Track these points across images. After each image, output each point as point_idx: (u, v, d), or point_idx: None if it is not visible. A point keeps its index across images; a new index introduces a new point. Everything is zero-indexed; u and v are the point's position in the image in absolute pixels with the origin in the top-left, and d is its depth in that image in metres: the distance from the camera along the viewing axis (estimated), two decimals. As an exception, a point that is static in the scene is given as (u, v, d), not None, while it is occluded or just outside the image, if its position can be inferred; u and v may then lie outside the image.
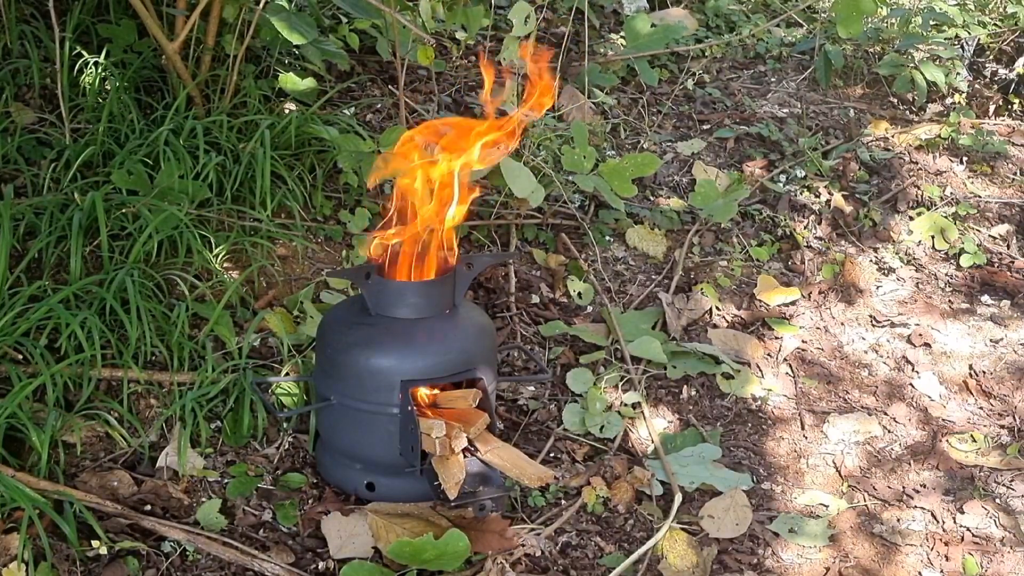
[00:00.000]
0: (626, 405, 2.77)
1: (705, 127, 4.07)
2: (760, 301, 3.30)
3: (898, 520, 2.51)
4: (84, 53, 3.11)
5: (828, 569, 2.36)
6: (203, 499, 2.30)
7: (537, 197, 3.03)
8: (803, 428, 2.83)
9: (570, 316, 3.10)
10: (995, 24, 4.85)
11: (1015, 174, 4.01)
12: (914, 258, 3.56)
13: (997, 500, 2.60)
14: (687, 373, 2.92)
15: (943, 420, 2.90)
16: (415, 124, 3.49)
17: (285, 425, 2.50)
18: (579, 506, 2.44)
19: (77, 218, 2.61)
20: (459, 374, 2.29)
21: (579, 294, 3.17)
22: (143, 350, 2.47)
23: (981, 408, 2.96)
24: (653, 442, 2.67)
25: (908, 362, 3.11)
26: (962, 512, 2.54)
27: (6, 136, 2.91)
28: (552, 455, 2.61)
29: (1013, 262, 3.59)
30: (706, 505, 2.47)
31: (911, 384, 3.03)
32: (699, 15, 4.69)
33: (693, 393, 2.89)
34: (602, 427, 2.69)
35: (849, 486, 2.63)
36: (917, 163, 3.93)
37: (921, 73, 4.25)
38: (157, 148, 2.86)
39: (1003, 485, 2.65)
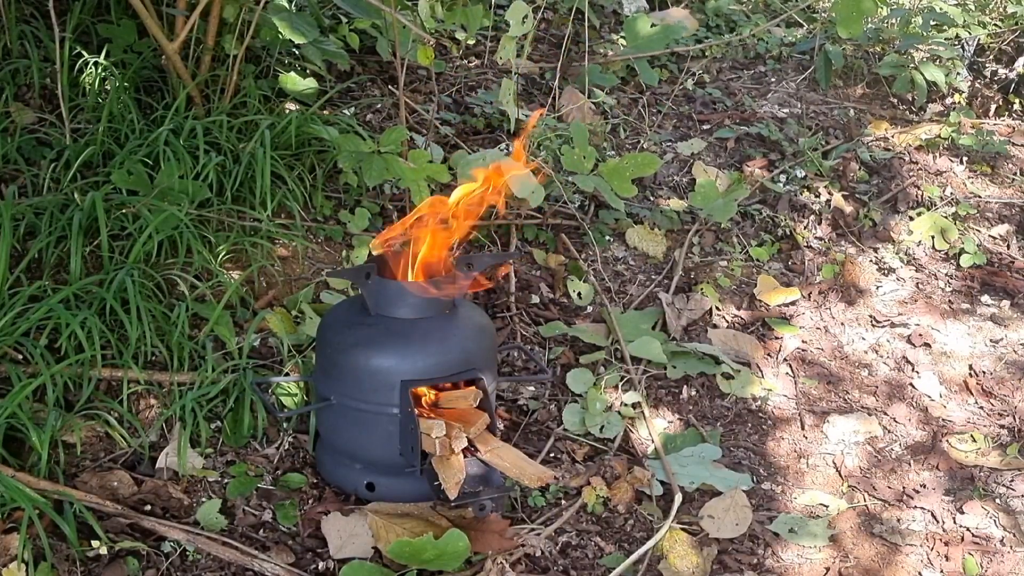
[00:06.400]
0: (626, 405, 2.77)
1: (705, 127, 4.07)
2: (760, 301, 3.30)
3: (898, 520, 2.51)
4: (84, 53, 3.11)
5: (828, 569, 2.36)
6: (203, 499, 2.30)
7: (537, 197, 3.03)
8: (803, 428, 2.83)
9: (570, 316, 3.10)
10: (995, 24, 4.85)
11: (1015, 174, 4.01)
12: (914, 258, 3.56)
13: (997, 500, 2.60)
14: (687, 373, 2.92)
15: (943, 420, 2.90)
16: (415, 124, 3.50)
17: (285, 425, 2.50)
18: (579, 506, 2.44)
19: (77, 218, 2.61)
20: (459, 374, 2.29)
21: (579, 294, 3.17)
22: (143, 350, 2.47)
23: (981, 408, 2.96)
24: (653, 442, 2.67)
25: (908, 362, 3.11)
26: (962, 512, 2.54)
27: (6, 136, 2.91)
28: (552, 455, 2.61)
29: (1013, 262, 3.59)
30: (706, 505, 2.47)
31: (911, 384, 3.03)
32: (699, 15, 4.70)
33: (693, 393, 2.89)
34: (602, 427, 2.69)
35: (849, 486, 2.63)
36: (917, 163, 3.93)
37: (921, 73, 4.25)
38: (157, 148, 2.86)
39: (1003, 485, 2.65)
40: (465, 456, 2.26)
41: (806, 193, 3.73)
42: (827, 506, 2.55)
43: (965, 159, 4.00)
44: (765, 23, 4.64)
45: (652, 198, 3.65)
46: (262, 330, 2.68)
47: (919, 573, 2.37)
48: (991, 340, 3.23)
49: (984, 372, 3.09)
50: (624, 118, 3.97)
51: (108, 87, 3.08)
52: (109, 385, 2.46)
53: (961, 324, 3.29)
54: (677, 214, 3.57)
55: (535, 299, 3.12)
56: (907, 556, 2.41)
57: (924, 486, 2.64)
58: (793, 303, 3.31)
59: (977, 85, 4.56)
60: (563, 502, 2.46)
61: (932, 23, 4.47)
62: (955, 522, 2.52)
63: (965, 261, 3.54)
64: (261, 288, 2.81)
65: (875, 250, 3.58)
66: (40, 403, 2.31)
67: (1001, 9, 4.98)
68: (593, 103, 3.87)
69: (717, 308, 3.22)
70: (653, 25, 3.77)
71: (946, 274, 3.52)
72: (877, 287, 3.43)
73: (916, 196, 3.76)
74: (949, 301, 3.40)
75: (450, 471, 2.19)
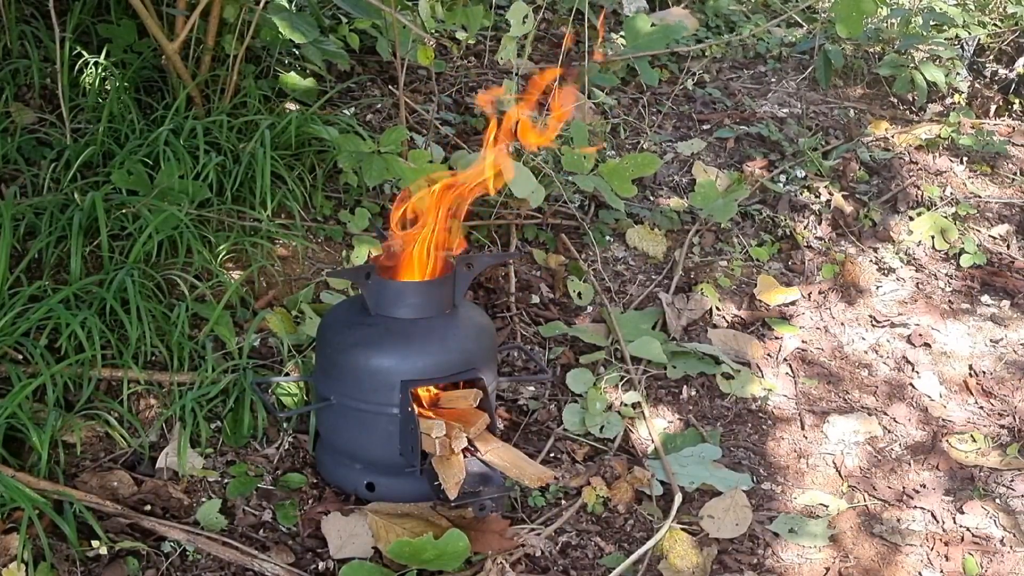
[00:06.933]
0: (626, 405, 2.77)
1: (705, 127, 4.07)
2: (760, 301, 3.30)
3: (898, 520, 2.51)
4: (84, 53, 3.11)
5: (828, 569, 2.36)
6: (203, 499, 2.30)
7: (537, 197, 3.03)
8: (803, 428, 2.83)
9: (570, 316, 3.10)
10: (995, 24, 4.86)
11: (1015, 174, 4.01)
12: (914, 258, 3.56)
13: (997, 500, 2.60)
14: (687, 373, 2.92)
15: (943, 420, 2.90)
16: (415, 124, 3.50)
17: (285, 425, 2.50)
18: (579, 506, 2.44)
19: (77, 218, 2.61)
20: (459, 374, 2.29)
21: (579, 294, 3.17)
22: (143, 350, 2.47)
23: (981, 408, 2.96)
24: (653, 442, 2.67)
25: (908, 362, 3.11)
26: (962, 512, 2.54)
27: (6, 136, 2.91)
28: (552, 455, 2.61)
29: (1013, 262, 3.59)
30: (706, 505, 2.47)
31: (911, 384, 3.03)
32: (699, 15, 4.69)
33: (693, 393, 2.89)
34: (602, 427, 2.69)
35: (849, 486, 2.63)
36: (917, 163, 3.93)
37: (921, 73, 4.25)
38: (157, 148, 2.86)
39: (1003, 485, 2.65)
40: (465, 456, 2.26)
41: (806, 193, 3.73)
42: (827, 506, 2.55)
43: (965, 159, 4.00)
44: (765, 23, 4.64)
45: (652, 198, 3.65)
46: (262, 330, 2.68)
47: (919, 573, 2.37)
48: (991, 340, 3.23)
49: (984, 372, 3.09)
50: (624, 118, 3.97)
51: (108, 87, 3.08)
52: (109, 385, 2.46)
53: (961, 324, 3.29)
54: (677, 214, 3.57)
55: (535, 299, 3.12)
56: (907, 556, 2.41)
57: (924, 486, 2.64)
58: (793, 303, 3.31)
59: (977, 85, 4.56)
60: (563, 502, 2.46)
61: (932, 23, 4.47)
62: (955, 522, 2.52)
63: (965, 261, 3.54)
64: (261, 288, 2.81)
65: (875, 250, 3.58)
66: (40, 403, 2.31)
67: (1001, 9, 4.98)
68: (593, 103, 3.86)
69: (717, 308, 3.22)
70: (653, 25, 3.77)
71: (946, 274, 3.52)
72: (877, 287, 3.43)
73: (916, 196, 3.76)
74: (949, 301, 3.40)
75: (450, 471, 2.19)
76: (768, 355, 3.08)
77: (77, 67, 3.11)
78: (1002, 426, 2.88)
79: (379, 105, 3.59)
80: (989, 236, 3.69)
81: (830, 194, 3.73)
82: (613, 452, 2.63)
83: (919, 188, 3.79)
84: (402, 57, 3.28)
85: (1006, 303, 3.40)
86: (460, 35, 3.93)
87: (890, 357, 3.13)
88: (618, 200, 3.21)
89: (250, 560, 2.15)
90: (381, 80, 3.71)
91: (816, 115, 4.22)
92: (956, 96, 4.40)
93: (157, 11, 3.05)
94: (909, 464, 2.73)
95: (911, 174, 3.86)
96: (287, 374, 2.55)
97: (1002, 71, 4.63)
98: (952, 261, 3.57)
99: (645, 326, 3.06)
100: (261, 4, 3.03)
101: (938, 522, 2.52)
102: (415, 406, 2.26)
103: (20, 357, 2.40)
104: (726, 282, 3.34)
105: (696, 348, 2.99)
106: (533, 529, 2.33)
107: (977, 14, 4.88)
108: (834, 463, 2.71)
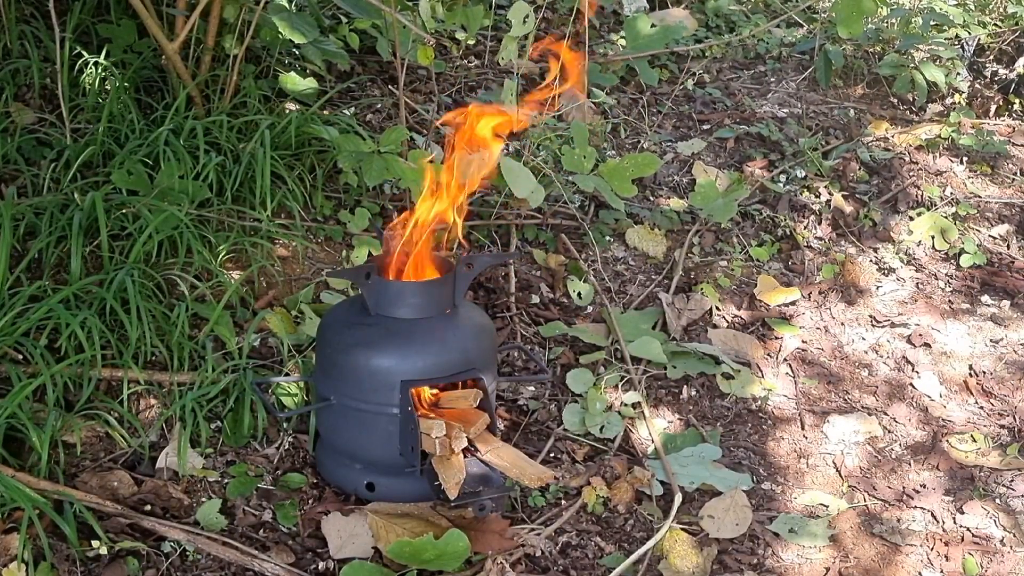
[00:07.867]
0: (626, 405, 2.77)
1: (705, 127, 4.07)
2: (760, 301, 3.30)
3: (898, 520, 2.52)
4: (84, 53, 3.11)
5: (828, 569, 2.36)
6: (203, 499, 2.30)
7: (537, 197, 3.03)
8: (803, 428, 2.83)
9: (570, 316, 3.10)
10: (995, 24, 4.85)
11: (1015, 174, 4.01)
12: (914, 258, 3.56)
13: (997, 500, 2.60)
14: (687, 373, 2.92)
15: (943, 420, 2.90)
16: (415, 124, 3.51)
17: (285, 425, 2.50)
18: (579, 506, 2.44)
19: (77, 218, 2.61)
20: (459, 374, 2.29)
21: (579, 294, 3.17)
22: (143, 350, 2.47)
23: (981, 408, 2.96)
24: (653, 442, 2.67)
25: (908, 362, 3.11)
26: (962, 512, 2.54)
27: (6, 136, 2.91)
28: (552, 455, 2.61)
29: (1013, 262, 3.59)
30: (706, 505, 2.47)
31: (911, 384, 3.03)
32: (699, 15, 4.69)
33: (693, 393, 2.89)
34: (602, 427, 2.69)
35: (849, 486, 2.63)
36: (917, 163, 3.93)
37: (921, 73, 4.25)
38: (157, 148, 2.86)
39: (1003, 485, 2.65)
40: (465, 456, 2.25)
41: (806, 193, 3.73)
42: (827, 506, 2.55)
43: (965, 159, 4.00)
44: (765, 23, 4.64)
45: (652, 198, 3.65)
46: (262, 330, 2.68)
47: (919, 573, 2.37)
48: (991, 340, 3.23)
49: (984, 372, 3.09)
50: (624, 118, 3.97)
51: (108, 87, 3.08)
52: (109, 385, 2.46)
53: (961, 324, 3.29)
54: (677, 214, 3.57)
55: (535, 299, 3.12)
56: (907, 556, 2.41)
57: (924, 486, 2.64)
58: (793, 303, 3.31)
59: (977, 85, 4.56)
60: (563, 502, 2.46)
61: (932, 23, 4.47)
62: (955, 522, 2.52)
63: (965, 261, 3.54)
64: (261, 288, 2.81)
65: (875, 250, 3.58)
66: (40, 403, 2.31)
67: (1001, 9, 4.98)
68: (593, 103, 3.87)
69: (717, 308, 3.22)
70: (653, 25, 3.77)
71: (946, 274, 3.52)
72: (877, 287, 3.43)
73: (916, 196, 3.77)
74: (949, 301, 3.40)
75: (450, 471, 2.19)
76: (768, 355, 3.08)
77: (77, 67, 3.11)
78: (1002, 426, 2.88)
79: (379, 105, 3.59)
80: (989, 236, 3.69)
81: (830, 194, 3.73)
82: (613, 452, 2.63)
83: (919, 188, 3.79)
84: (402, 57, 3.28)
85: (1006, 303, 3.40)
86: (460, 35, 3.93)
87: (890, 357, 3.14)
88: (618, 200, 3.21)
89: (250, 560, 2.15)
90: (381, 80, 3.71)
91: (816, 115, 4.22)
92: (956, 96, 4.40)
93: (157, 11, 3.05)
94: (909, 464, 2.73)
95: (911, 174, 3.86)
96: (287, 374, 2.55)
97: (1002, 71, 4.62)
98: (952, 261, 3.57)
99: (645, 326, 3.06)
100: (261, 4, 3.03)
101: (938, 522, 2.52)
102: (415, 406, 2.26)
103: (20, 357, 2.40)
104: (726, 282, 3.34)
105: (696, 348, 2.99)
106: (533, 529, 2.33)
107: (977, 14, 4.88)
108: (834, 463, 2.71)
